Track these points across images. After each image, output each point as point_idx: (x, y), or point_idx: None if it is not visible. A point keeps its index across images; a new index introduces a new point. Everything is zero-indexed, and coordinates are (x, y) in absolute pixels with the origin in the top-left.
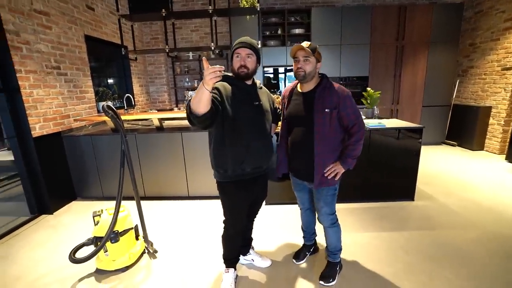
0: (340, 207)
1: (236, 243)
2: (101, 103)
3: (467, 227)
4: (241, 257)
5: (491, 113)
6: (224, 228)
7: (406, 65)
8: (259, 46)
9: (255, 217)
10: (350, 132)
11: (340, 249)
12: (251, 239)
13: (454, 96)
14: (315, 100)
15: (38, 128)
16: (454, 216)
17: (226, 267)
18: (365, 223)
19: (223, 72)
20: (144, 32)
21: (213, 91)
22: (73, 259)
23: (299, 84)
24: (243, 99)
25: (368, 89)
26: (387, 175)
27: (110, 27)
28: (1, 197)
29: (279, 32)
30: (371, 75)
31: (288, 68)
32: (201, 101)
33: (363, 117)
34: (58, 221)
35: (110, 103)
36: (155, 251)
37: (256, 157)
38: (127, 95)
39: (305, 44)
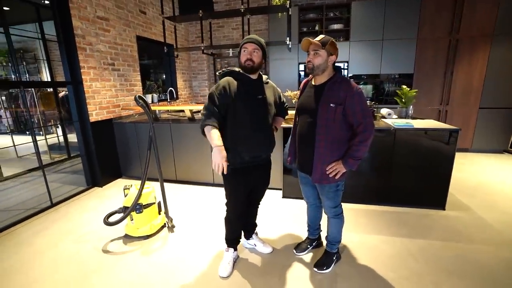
0: (356, 208)
1: (236, 225)
2: (148, 95)
3: (502, 245)
4: (244, 241)
5: None
6: (226, 211)
7: (461, 61)
8: (289, 42)
9: (259, 204)
10: (355, 132)
11: (339, 241)
12: (255, 225)
13: None
14: (323, 93)
15: (95, 114)
16: (489, 232)
17: (227, 247)
18: (379, 226)
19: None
20: (190, 31)
21: (219, 92)
22: (106, 222)
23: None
24: (247, 93)
25: (403, 87)
26: (414, 179)
27: (159, 28)
28: (70, 170)
29: (317, 28)
30: (417, 73)
31: None
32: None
33: (395, 116)
34: (104, 193)
35: (155, 95)
36: (173, 226)
37: (255, 147)
38: (170, 88)
39: (319, 38)
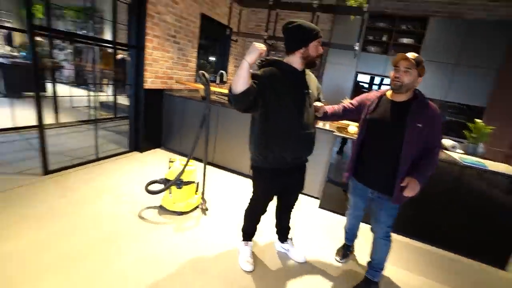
0: (400, 239)
1: (257, 220)
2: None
3: None
4: (278, 244)
5: None
6: (249, 204)
7: None
8: (357, 48)
9: (292, 207)
10: (429, 152)
11: (382, 269)
12: (288, 228)
13: None
14: (410, 113)
15: (150, 82)
16: None
17: (243, 240)
18: (425, 268)
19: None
20: (251, 18)
21: (258, 80)
22: (147, 189)
23: (388, 92)
24: (292, 87)
25: (478, 120)
26: (473, 225)
27: (223, 9)
28: (114, 130)
29: (384, 38)
30: (490, 108)
31: (385, 77)
32: (240, 77)
33: (461, 151)
34: (144, 159)
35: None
36: (206, 209)
37: (298, 147)
38: (221, 71)
39: (411, 55)
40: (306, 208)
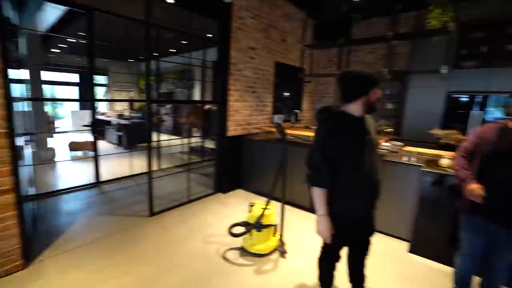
0: None
1: (333, 267)
2: (275, 116)
3: None
4: None
5: None
6: (320, 252)
7: None
8: (446, 71)
9: (366, 254)
10: None
11: None
12: (364, 277)
13: None
14: None
15: (232, 130)
16: None
17: None
18: None
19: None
20: (322, 55)
21: (327, 137)
22: (230, 232)
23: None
24: (357, 137)
25: None
26: None
27: (295, 54)
28: (203, 172)
29: (483, 49)
30: None
31: (488, 94)
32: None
33: None
34: (226, 200)
35: (281, 116)
36: (285, 252)
37: (369, 198)
38: (295, 110)
39: None
40: (392, 253)
